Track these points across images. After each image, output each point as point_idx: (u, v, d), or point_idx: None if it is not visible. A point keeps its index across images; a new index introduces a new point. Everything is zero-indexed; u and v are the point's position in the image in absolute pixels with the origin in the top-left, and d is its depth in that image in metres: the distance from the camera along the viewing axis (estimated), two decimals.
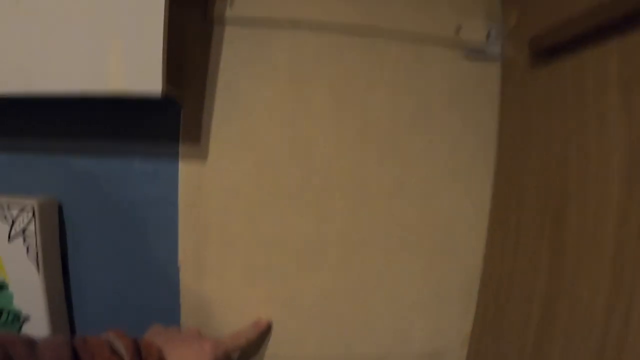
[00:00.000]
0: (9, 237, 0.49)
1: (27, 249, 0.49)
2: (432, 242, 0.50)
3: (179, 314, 0.51)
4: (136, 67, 0.41)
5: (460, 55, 0.49)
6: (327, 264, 0.50)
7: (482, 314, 0.52)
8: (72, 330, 0.52)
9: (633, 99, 0.32)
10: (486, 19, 0.49)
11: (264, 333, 0.50)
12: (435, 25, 0.48)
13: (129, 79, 0.41)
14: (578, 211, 0.37)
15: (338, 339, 0.52)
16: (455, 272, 0.51)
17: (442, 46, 0.48)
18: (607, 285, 0.33)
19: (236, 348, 0.46)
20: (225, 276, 0.50)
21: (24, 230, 0.48)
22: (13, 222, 0.49)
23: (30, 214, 0.48)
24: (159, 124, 0.48)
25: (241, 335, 0.47)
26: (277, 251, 0.49)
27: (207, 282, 0.50)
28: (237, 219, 0.49)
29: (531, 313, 0.43)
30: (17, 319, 0.51)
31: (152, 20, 0.41)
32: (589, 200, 0.35)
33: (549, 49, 0.42)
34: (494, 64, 0.49)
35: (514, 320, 0.46)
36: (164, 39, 0.41)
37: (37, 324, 0.51)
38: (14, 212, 0.48)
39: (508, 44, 0.48)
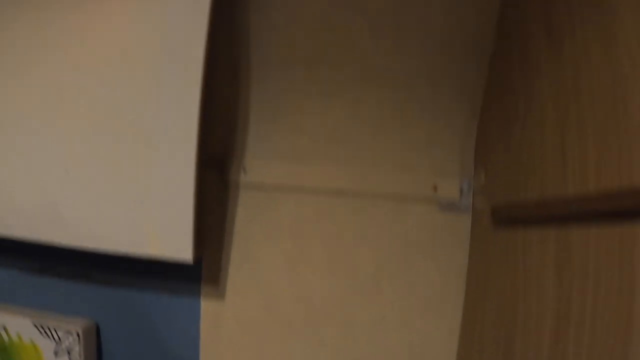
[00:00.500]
0: (55, 354, 0.59)
1: None
2: None
3: None
4: (169, 236, 0.50)
5: (436, 210, 0.58)
6: None
7: None
8: None
9: (563, 277, 0.41)
10: (460, 176, 0.58)
11: None
12: (415, 186, 0.57)
13: (162, 246, 0.50)
14: (522, 349, 0.46)
15: None
16: None
17: (419, 203, 0.57)
18: None
19: None
20: None
21: (69, 351, 0.58)
22: (59, 340, 0.58)
23: (76, 337, 0.58)
24: (184, 268, 0.57)
25: None
26: None
27: None
28: (248, 348, 0.59)
29: None
30: None
31: (183, 196, 0.49)
32: (530, 342, 0.45)
33: (505, 219, 0.51)
34: (466, 217, 0.58)
35: None
36: (195, 213, 0.49)
37: None
38: (60, 333, 0.58)
39: (477, 200, 0.57)
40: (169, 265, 0.57)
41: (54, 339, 0.58)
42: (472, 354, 0.57)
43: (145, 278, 0.58)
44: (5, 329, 0.60)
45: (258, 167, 0.55)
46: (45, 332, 0.58)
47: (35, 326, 0.58)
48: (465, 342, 0.59)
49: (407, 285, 0.58)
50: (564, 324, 0.40)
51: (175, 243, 0.49)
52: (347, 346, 0.59)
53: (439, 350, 0.60)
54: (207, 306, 0.58)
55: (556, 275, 0.42)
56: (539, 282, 0.45)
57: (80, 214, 0.51)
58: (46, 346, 0.59)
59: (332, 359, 0.59)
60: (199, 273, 0.57)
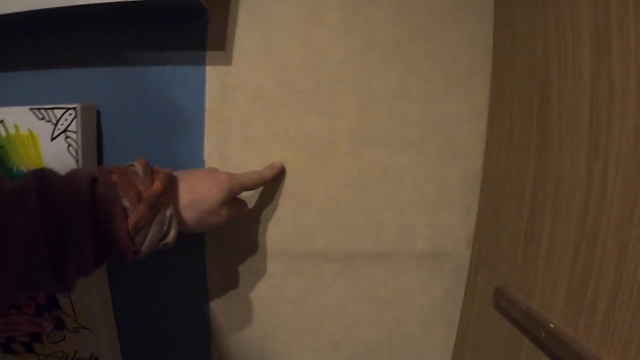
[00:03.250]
0: (52, 136, 0.55)
1: (69, 145, 0.54)
2: (434, 142, 0.55)
3: None
4: None
5: None
6: (337, 159, 0.54)
7: (483, 213, 0.55)
8: None
9: None
10: None
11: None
12: None
13: None
14: (560, 93, 0.41)
15: (346, 235, 0.56)
16: (457, 172, 0.55)
17: None
18: (585, 150, 0.37)
19: (251, 183, 0.49)
20: (246, 169, 0.54)
21: (66, 129, 0.54)
22: (57, 123, 0.54)
23: (73, 115, 0.54)
24: (188, 33, 0.53)
25: (255, 172, 0.51)
26: (293, 147, 0.54)
27: None
28: (258, 117, 0.54)
29: (523, 199, 0.46)
30: None
31: None
32: (567, 82, 0.40)
33: None
34: None
35: (510, 210, 0.49)
36: None
37: None
38: (58, 114, 0.54)
39: None
40: (171, 34, 0.54)
41: (51, 121, 0.55)
42: (502, 122, 0.51)
43: (146, 53, 0.55)
44: (2, 122, 0.56)
45: None
46: (42, 114, 0.54)
47: (33, 111, 0.55)
48: (495, 112, 0.53)
49: (428, 52, 0.54)
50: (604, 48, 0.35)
51: None
52: (364, 118, 0.54)
53: (466, 123, 0.55)
54: (213, 73, 0.53)
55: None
56: (573, 6, 0.40)
57: None
58: (43, 132, 0.55)
59: (348, 130, 0.54)
60: (205, 39, 0.53)
